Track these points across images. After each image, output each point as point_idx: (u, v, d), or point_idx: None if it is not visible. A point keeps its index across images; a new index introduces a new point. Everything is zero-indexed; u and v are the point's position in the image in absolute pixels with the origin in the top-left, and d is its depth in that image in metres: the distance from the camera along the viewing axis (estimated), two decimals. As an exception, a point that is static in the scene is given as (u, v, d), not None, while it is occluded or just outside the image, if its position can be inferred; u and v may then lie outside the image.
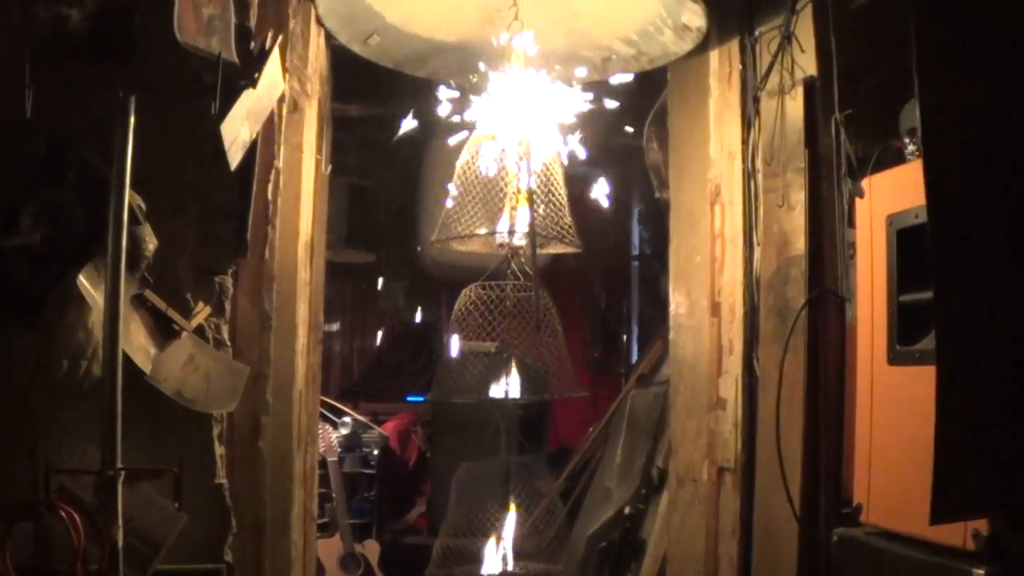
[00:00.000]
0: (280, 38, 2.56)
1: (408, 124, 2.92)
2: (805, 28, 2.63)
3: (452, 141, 2.76)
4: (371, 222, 5.92)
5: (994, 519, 1.75)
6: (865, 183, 2.27)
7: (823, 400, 2.44)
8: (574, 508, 4.41)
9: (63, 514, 1.98)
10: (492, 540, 2.71)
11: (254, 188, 2.49)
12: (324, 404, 4.50)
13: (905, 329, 2.09)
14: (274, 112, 2.57)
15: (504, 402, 2.67)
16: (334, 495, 4.67)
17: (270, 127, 2.56)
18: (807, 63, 2.62)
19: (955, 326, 1.66)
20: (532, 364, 2.71)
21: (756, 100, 2.86)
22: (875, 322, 2.19)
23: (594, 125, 2.86)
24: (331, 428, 5.03)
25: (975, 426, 1.64)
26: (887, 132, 2.37)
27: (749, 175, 2.90)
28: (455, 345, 2.70)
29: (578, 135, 2.79)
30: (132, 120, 2.06)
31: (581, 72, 2.85)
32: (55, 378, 2.18)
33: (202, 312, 2.39)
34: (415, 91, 3.05)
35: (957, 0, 1.72)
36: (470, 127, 2.73)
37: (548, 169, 2.67)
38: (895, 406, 2.11)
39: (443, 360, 2.71)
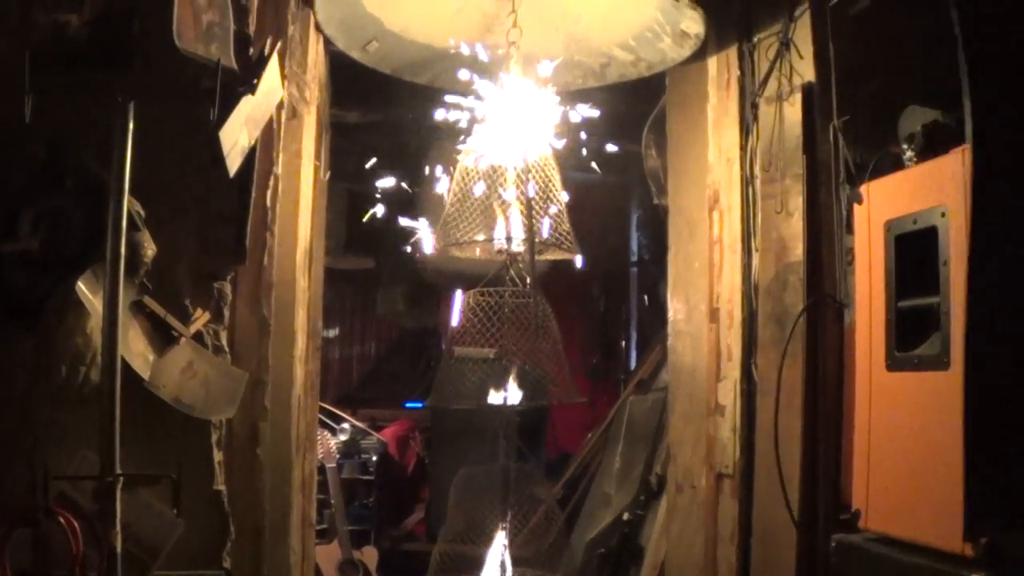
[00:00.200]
0: (279, 44, 2.56)
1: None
2: (803, 35, 2.64)
3: (456, 146, 2.76)
4: (370, 228, 5.92)
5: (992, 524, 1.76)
6: (863, 189, 2.27)
7: (822, 406, 2.44)
8: (573, 514, 4.41)
9: (62, 520, 1.98)
10: (490, 546, 2.71)
11: (253, 194, 2.49)
12: (323, 410, 4.49)
13: (904, 335, 2.08)
14: (273, 118, 2.57)
15: (503, 408, 2.66)
16: (333, 501, 4.67)
17: (269, 133, 2.57)
18: (805, 69, 2.62)
19: (982, 336, 1.64)
20: (531, 370, 2.70)
21: (754, 106, 2.87)
22: (873, 328, 2.19)
23: (591, 131, 2.86)
24: (330, 434, 5.04)
25: (1006, 438, 1.63)
26: (885, 138, 2.37)
27: (747, 181, 2.90)
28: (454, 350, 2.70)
29: (580, 138, 2.79)
30: (131, 126, 2.07)
31: (579, 78, 2.85)
32: (54, 384, 2.18)
33: (201, 318, 2.39)
34: (413, 98, 3.05)
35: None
36: (468, 134, 2.73)
37: (546, 175, 2.67)
38: (894, 412, 2.11)
39: (442, 366, 2.70)
